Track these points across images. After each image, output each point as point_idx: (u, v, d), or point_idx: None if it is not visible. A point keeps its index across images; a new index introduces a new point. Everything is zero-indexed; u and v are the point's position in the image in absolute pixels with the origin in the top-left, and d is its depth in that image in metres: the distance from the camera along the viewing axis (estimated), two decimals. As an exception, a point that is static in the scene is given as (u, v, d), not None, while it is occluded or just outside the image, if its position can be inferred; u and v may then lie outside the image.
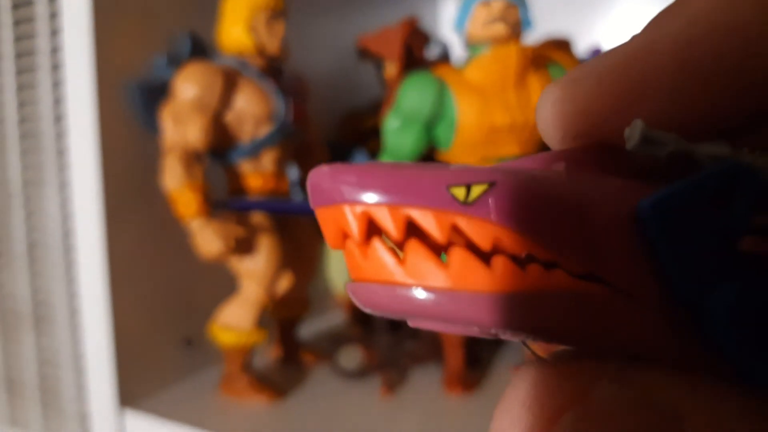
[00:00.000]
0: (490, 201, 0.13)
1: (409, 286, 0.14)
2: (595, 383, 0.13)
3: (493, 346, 0.79)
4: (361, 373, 0.71)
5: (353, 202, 0.14)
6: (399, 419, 0.63)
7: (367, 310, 0.15)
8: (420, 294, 0.13)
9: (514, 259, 0.13)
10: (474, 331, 0.14)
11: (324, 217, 0.15)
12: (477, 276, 0.13)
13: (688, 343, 0.14)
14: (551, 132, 0.16)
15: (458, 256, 0.13)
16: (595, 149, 0.15)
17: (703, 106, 0.14)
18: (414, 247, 0.14)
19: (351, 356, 0.71)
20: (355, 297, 0.15)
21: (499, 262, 0.13)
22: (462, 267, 0.13)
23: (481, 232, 0.13)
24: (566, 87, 0.16)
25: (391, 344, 0.73)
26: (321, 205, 0.15)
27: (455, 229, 0.13)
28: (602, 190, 0.14)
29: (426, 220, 0.13)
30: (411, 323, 0.15)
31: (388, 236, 0.14)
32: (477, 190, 0.13)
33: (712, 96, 0.14)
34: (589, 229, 0.13)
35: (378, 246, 0.14)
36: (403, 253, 0.14)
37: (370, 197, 0.14)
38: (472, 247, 0.13)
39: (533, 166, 0.15)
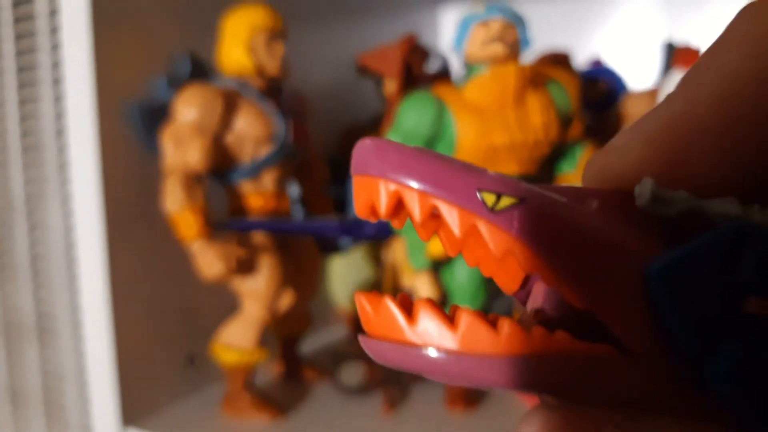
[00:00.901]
0: (515, 214, 0.14)
1: (419, 347, 0.14)
2: (600, 429, 0.14)
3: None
4: (362, 390, 0.71)
5: (389, 179, 0.15)
6: (400, 437, 0.63)
7: (379, 363, 0.15)
8: (430, 355, 0.14)
9: (520, 322, 0.14)
10: (482, 388, 0.15)
11: (359, 185, 0.16)
12: (484, 339, 0.14)
13: (688, 395, 0.14)
14: None
15: (466, 318, 0.14)
16: (628, 195, 0.15)
17: (746, 160, 0.14)
18: (424, 307, 0.14)
19: (353, 373, 0.72)
20: (368, 351, 0.15)
21: (505, 325, 0.14)
22: (469, 330, 0.14)
23: (497, 240, 0.14)
24: (612, 155, 0.16)
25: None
26: (359, 173, 0.16)
27: (473, 231, 0.14)
28: (621, 238, 0.14)
29: (450, 214, 0.14)
30: (422, 375, 0.15)
31: (411, 218, 0.15)
32: (506, 201, 0.14)
33: (755, 148, 0.14)
34: (599, 270, 0.14)
35: (389, 304, 0.15)
36: (413, 311, 0.15)
37: (406, 179, 0.14)
38: (483, 252, 0.14)
39: (566, 195, 0.15)
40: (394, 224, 0.16)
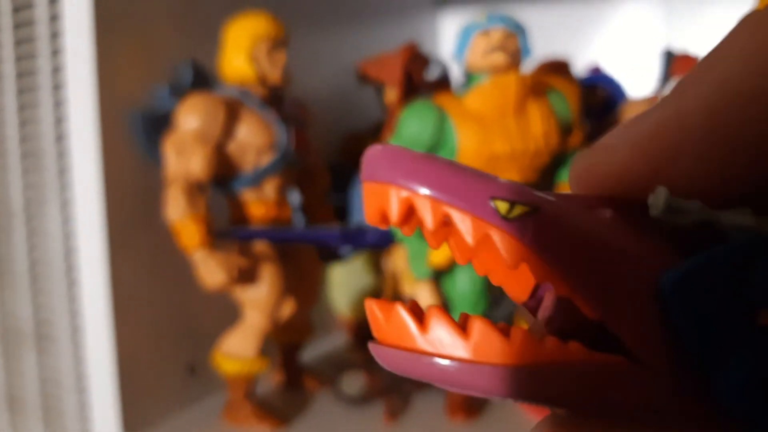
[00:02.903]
0: (529, 223, 0.14)
1: (430, 355, 0.14)
2: None
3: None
4: (363, 399, 0.71)
5: (400, 185, 0.14)
6: (402, 447, 0.63)
7: (390, 371, 0.15)
8: (441, 363, 0.14)
9: (531, 331, 0.14)
10: (494, 398, 0.15)
11: (370, 192, 0.15)
12: (496, 348, 0.14)
13: (699, 407, 0.14)
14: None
15: (478, 327, 0.14)
16: (640, 204, 0.15)
17: (731, 172, 0.14)
18: (436, 315, 0.14)
19: (354, 382, 0.72)
20: (379, 359, 0.15)
21: (518, 334, 0.14)
22: (482, 338, 0.14)
23: (509, 249, 0.14)
24: (599, 154, 0.16)
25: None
26: (370, 179, 0.15)
27: (486, 239, 0.14)
28: (634, 248, 0.14)
29: (463, 222, 0.14)
30: (433, 384, 0.15)
31: (422, 226, 0.15)
32: (519, 210, 0.14)
33: (741, 161, 0.14)
34: (613, 280, 0.14)
35: (401, 311, 0.15)
36: (425, 319, 0.14)
37: (418, 186, 0.14)
38: (496, 261, 0.14)
39: (579, 203, 0.15)
40: (404, 231, 0.15)
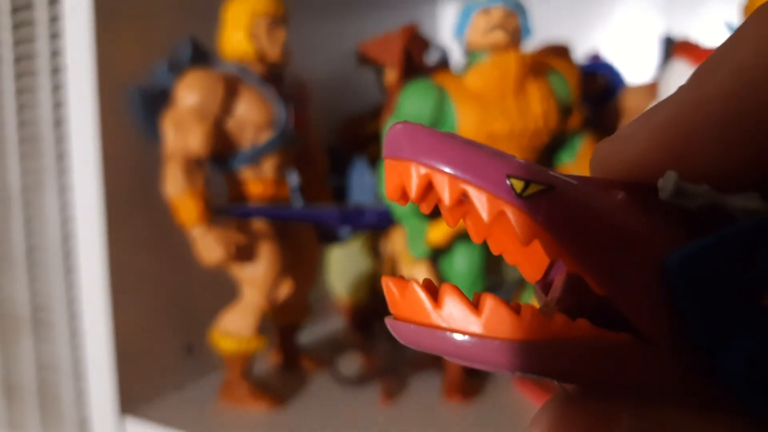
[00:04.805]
0: (542, 201, 0.14)
1: (444, 330, 0.15)
2: (614, 419, 0.14)
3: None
4: (360, 381, 0.71)
5: (420, 162, 0.15)
6: (398, 427, 0.63)
7: (405, 345, 0.16)
8: (455, 338, 0.14)
9: (541, 309, 0.15)
10: (504, 373, 0.15)
11: (390, 168, 0.16)
12: (507, 324, 0.14)
13: (703, 385, 0.14)
14: None
15: (489, 303, 0.14)
16: (651, 188, 0.16)
17: (750, 158, 0.14)
18: (449, 292, 0.15)
19: (351, 363, 0.72)
20: (395, 333, 0.16)
21: (528, 310, 0.14)
22: (493, 314, 0.14)
23: (523, 227, 0.14)
24: (618, 143, 0.16)
25: (391, 351, 0.73)
26: (391, 156, 0.16)
27: (501, 216, 0.14)
28: (644, 229, 0.15)
29: (479, 199, 0.14)
30: (444, 357, 0.16)
31: (440, 203, 0.15)
32: (534, 188, 0.14)
33: (756, 147, 0.14)
34: (622, 259, 0.14)
35: (416, 288, 0.15)
36: (439, 296, 0.15)
37: (437, 163, 0.15)
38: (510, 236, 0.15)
39: (591, 185, 0.16)
40: (422, 208, 0.16)
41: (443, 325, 0.15)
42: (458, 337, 0.14)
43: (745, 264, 0.14)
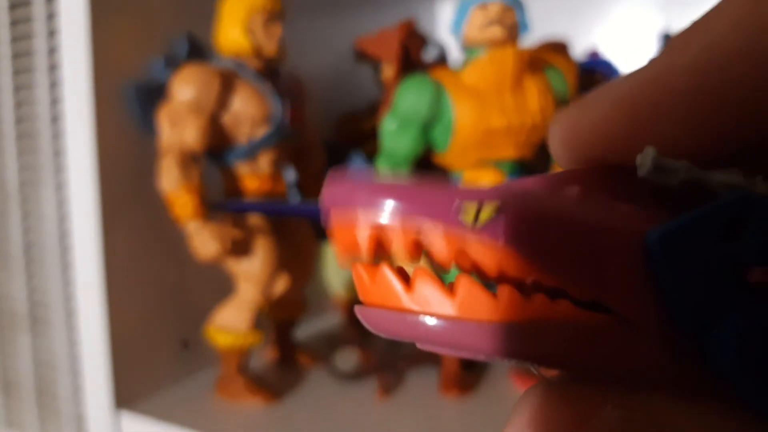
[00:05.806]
0: (499, 223, 0.13)
1: (416, 314, 0.14)
2: (598, 408, 0.13)
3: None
4: (357, 375, 0.71)
5: (362, 223, 0.14)
6: (395, 421, 0.63)
7: (376, 333, 0.15)
8: (427, 322, 0.14)
9: (520, 287, 0.13)
10: (480, 357, 0.14)
11: (335, 235, 0.15)
12: (483, 305, 0.13)
13: (690, 370, 0.14)
14: (563, 156, 0.16)
15: (464, 284, 0.14)
16: (609, 171, 0.15)
17: (718, 132, 0.14)
18: (422, 274, 0.14)
19: (347, 358, 0.71)
20: (365, 320, 0.15)
21: (504, 291, 0.13)
22: (468, 296, 0.14)
23: (488, 257, 0.13)
24: (580, 111, 0.16)
25: (387, 346, 0.73)
26: (333, 223, 0.15)
27: (462, 253, 0.13)
28: (612, 216, 0.14)
29: (436, 242, 0.14)
30: (419, 346, 0.15)
31: (397, 258, 0.14)
32: (487, 212, 0.13)
33: (727, 122, 0.14)
34: (596, 257, 0.13)
35: (386, 271, 0.14)
36: (411, 279, 0.14)
37: (380, 218, 0.14)
38: (479, 272, 0.14)
39: (545, 186, 0.15)
40: (383, 272, 0.15)
41: (415, 308, 0.14)
42: (431, 320, 0.14)
43: (730, 240, 0.13)
